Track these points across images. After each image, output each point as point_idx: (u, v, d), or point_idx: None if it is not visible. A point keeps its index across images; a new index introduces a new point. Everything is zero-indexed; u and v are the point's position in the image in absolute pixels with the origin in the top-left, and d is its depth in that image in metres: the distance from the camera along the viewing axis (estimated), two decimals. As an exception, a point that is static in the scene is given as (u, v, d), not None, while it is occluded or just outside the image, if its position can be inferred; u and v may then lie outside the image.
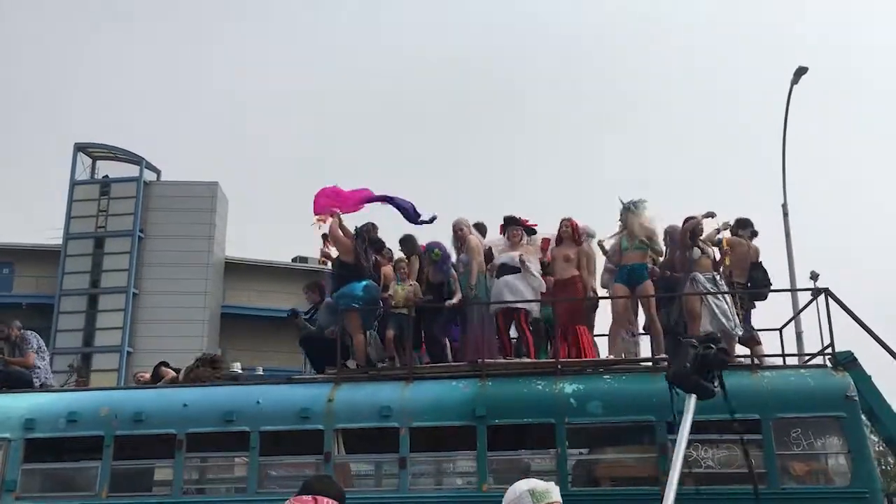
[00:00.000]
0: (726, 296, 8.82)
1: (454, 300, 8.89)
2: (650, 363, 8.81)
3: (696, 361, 4.05)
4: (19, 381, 9.14)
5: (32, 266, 37.65)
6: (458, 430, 8.27)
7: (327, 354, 9.00)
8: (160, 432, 8.40)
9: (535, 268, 9.08)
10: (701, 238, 9.06)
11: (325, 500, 2.00)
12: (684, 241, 9.04)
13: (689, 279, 8.93)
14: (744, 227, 9.44)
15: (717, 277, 8.98)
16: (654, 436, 7.90)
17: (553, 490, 2.76)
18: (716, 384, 4.01)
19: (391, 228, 10.08)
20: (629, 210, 8.99)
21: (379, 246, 9.67)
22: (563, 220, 9.29)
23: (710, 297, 8.75)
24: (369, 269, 9.21)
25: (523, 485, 3.33)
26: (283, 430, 8.37)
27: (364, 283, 9.06)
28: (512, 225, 9.25)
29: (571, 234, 9.23)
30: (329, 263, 9.95)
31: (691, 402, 3.97)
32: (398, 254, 9.84)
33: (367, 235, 9.45)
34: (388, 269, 9.55)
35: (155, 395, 8.83)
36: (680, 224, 9.24)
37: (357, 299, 8.97)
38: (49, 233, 37.46)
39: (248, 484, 8.25)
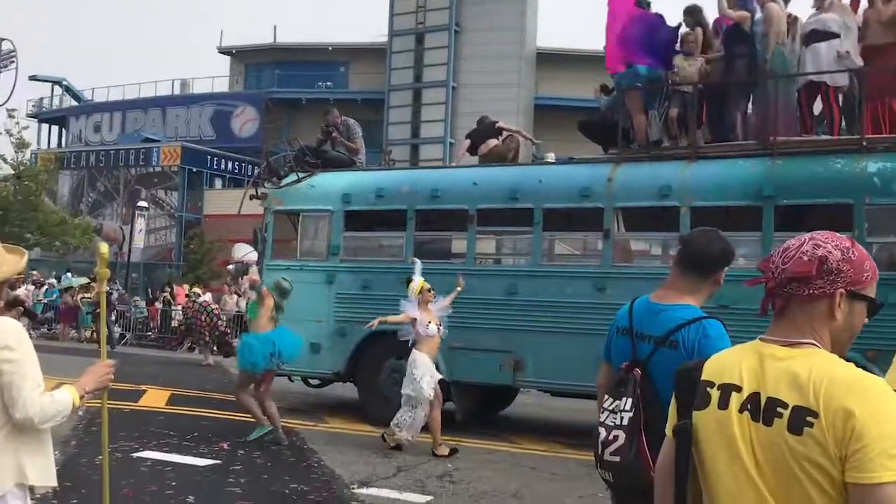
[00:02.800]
0: None
1: None
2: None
3: None
4: (339, 163, 10.35)
5: (364, 63, 40.98)
6: (742, 211, 7.96)
7: (608, 137, 8.97)
8: (454, 207, 9.16)
9: (849, 35, 8.02)
10: None
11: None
12: None
13: None
14: None
15: None
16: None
17: None
18: None
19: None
20: None
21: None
22: None
23: None
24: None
25: None
26: (565, 208, 8.67)
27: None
28: None
29: None
30: None
31: None
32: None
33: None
34: (673, 44, 9.02)
35: (449, 174, 9.55)
36: None
37: (639, 78, 8.69)
38: (378, 31, 40.18)
39: (533, 257, 8.79)
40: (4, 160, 32.26)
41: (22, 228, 29.40)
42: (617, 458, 2.58)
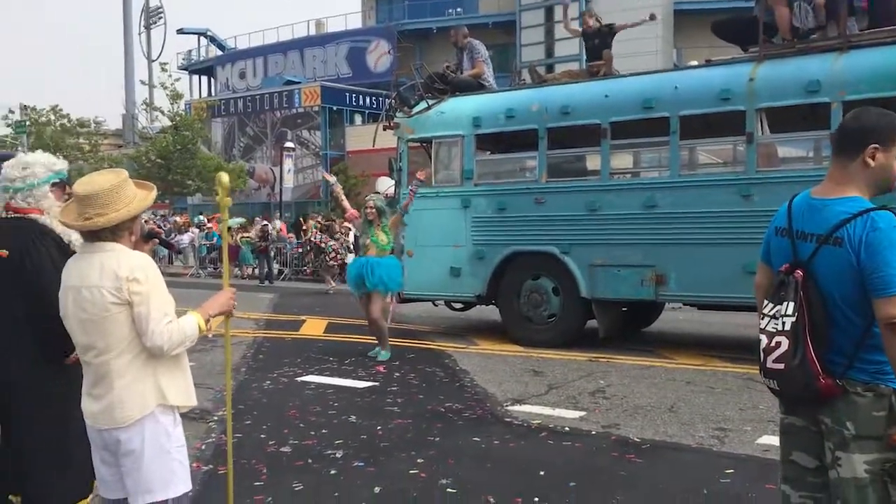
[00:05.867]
0: None
1: None
2: None
3: None
4: (465, 87, 10.30)
5: (493, -14, 40.16)
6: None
7: (746, 35, 8.44)
8: (585, 123, 8.96)
9: None
10: None
11: None
12: None
13: None
14: None
15: None
16: None
17: None
18: None
19: None
20: None
21: None
22: None
23: None
24: None
25: None
26: (703, 114, 8.30)
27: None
28: None
29: None
30: None
31: None
32: None
33: None
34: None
35: (579, 88, 9.30)
36: None
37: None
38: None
39: (671, 167, 8.52)
40: (162, 112, 34.37)
41: (183, 175, 31.40)
42: (781, 366, 2.46)
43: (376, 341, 8.85)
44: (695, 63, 9.73)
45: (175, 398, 2.82)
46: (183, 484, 2.86)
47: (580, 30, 10.57)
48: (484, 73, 10.56)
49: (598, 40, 10.13)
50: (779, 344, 2.46)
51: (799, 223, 2.53)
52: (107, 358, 2.74)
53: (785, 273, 2.52)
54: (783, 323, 2.47)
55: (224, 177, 3.31)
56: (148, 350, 2.73)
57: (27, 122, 35.45)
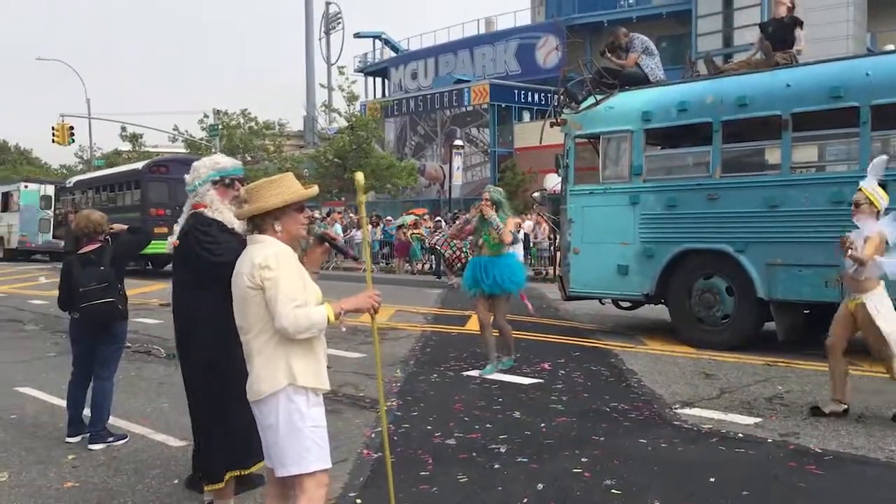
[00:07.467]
0: None
1: None
2: None
3: None
4: (634, 80, 10.04)
5: (667, -25, 38.89)
6: None
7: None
8: (764, 115, 8.51)
9: None
10: None
11: None
12: None
13: None
14: None
15: None
16: None
17: None
18: None
19: None
20: None
21: None
22: None
23: None
24: None
25: None
26: (898, 102, 7.66)
27: None
28: None
29: None
30: None
31: None
32: None
33: None
34: None
35: (757, 79, 8.82)
36: None
37: None
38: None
39: (861, 161, 7.91)
40: (339, 114, 35.98)
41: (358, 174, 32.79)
42: None
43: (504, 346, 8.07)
44: (891, 47, 9.02)
45: (304, 379, 2.96)
46: (318, 462, 2.97)
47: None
48: (641, 63, 10.17)
49: (781, 30, 9.54)
50: None
51: None
52: (249, 337, 2.99)
53: None
54: None
55: (360, 176, 3.48)
56: (278, 332, 2.90)
57: (220, 126, 38.26)
